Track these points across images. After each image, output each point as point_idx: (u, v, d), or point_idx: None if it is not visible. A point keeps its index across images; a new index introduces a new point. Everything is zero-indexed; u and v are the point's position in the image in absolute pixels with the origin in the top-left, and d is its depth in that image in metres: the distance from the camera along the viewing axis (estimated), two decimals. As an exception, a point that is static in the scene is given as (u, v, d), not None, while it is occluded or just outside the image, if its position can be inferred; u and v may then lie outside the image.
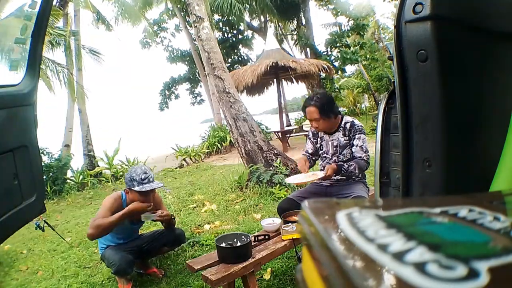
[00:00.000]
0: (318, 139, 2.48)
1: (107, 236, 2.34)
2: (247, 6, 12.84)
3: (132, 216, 2.29)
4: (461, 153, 0.55)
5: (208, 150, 10.24)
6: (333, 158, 2.38)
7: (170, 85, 17.29)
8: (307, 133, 9.91)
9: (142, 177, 2.27)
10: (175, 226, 2.65)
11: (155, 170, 8.13)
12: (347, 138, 2.35)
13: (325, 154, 2.45)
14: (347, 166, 2.25)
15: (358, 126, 2.35)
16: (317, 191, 2.42)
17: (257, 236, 2.08)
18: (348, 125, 2.36)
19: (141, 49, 16.85)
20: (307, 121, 2.67)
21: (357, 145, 2.30)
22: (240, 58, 16.54)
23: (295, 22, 15.41)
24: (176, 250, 2.94)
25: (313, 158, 2.56)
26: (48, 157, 7.63)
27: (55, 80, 8.27)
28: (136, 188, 2.25)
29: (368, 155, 2.30)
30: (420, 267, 0.17)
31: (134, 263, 2.37)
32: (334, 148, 2.38)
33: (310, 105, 2.29)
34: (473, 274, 0.17)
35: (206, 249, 2.93)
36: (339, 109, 2.46)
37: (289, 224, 2.03)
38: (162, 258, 2.83)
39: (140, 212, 2.29)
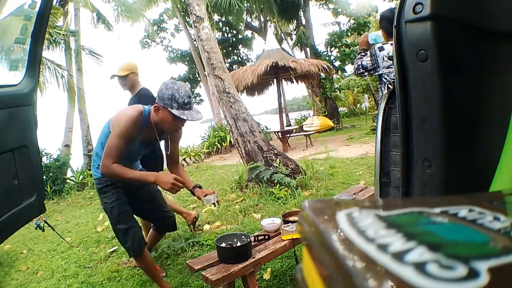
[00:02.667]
0: None
1: None
2: (247, 5, 12.84)
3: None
4: (461, 153, 0.55)
5: (208, 150, 10.25)
6: None
7: (170, 85, 17.28)
8: (307, 133, 9.83)
9: (186, 100, 1.85)
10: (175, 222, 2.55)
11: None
12: None
13: None
14: None
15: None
16: None
17: (257, 236, 2.08)
18: None
19: (141, 49, 16.89)
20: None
21: None
22: (240, 58, 16.56)
23: (295, 22, 15.42)
24: (176, 250, 2.94)
25: None
26: (47, 157, 7.63)
27: (54, 81, 8.28)
28: (175, 112, 1.83)
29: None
30: (420, 267, 0.17)
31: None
32: None
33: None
34: (473, 274, 0.17)
35: (206, 249, 2.93)
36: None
37: (289, 224, 2.03)
38: (162, 258, 2.83)
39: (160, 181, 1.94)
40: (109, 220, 2.22)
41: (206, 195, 2.09)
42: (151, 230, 2.56)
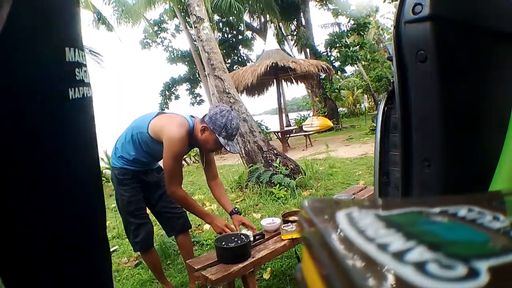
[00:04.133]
0: None
1: (132, 150, 2.07)
2: (247, 6, 12.85)
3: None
4: (460, 153, 0.55)
5: (208, 150, 10.23)
6: None
7: (170, 86, 17.29)
8: (306, 133, 9.83)
9: (234, 133, 1.95)
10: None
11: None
12: None
13: None
14: None
15: None
16: None
17: (255, 235, 2.08)
18: None
19: (141, 50, 16.89)
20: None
21: None
22: (240, 59, 16.56)
23: (294, 22, 15.43)
24: (176, 250, 2.94)
25: None
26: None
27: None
28: (221, 140, 1.91)
29: None
30: (420, 266, 0.17)
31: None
32: None
33: None
34: (473, 274, 0.17)
35: (206, 248, 2.93)
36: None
37: (289, 223, 2.03)
38: (162, 258, 2.83)
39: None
40: (120, 211, 2.17)
41: (243, 223, 2.12)
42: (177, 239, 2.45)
